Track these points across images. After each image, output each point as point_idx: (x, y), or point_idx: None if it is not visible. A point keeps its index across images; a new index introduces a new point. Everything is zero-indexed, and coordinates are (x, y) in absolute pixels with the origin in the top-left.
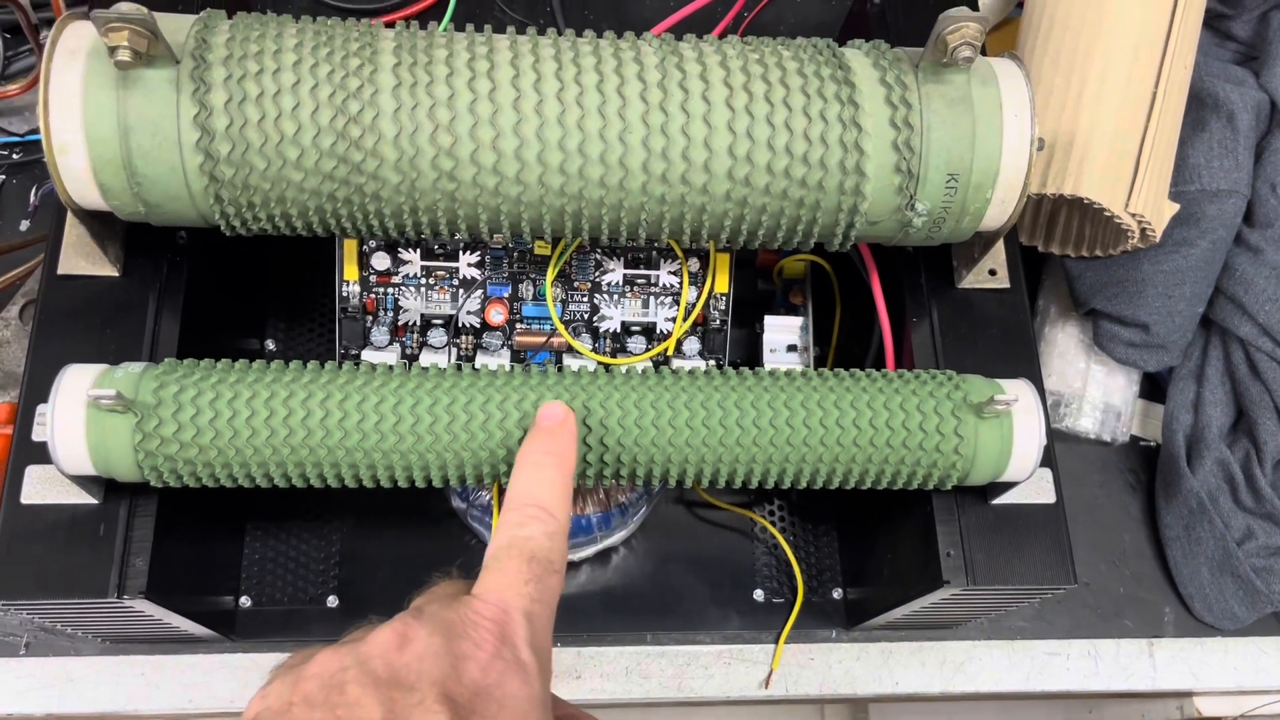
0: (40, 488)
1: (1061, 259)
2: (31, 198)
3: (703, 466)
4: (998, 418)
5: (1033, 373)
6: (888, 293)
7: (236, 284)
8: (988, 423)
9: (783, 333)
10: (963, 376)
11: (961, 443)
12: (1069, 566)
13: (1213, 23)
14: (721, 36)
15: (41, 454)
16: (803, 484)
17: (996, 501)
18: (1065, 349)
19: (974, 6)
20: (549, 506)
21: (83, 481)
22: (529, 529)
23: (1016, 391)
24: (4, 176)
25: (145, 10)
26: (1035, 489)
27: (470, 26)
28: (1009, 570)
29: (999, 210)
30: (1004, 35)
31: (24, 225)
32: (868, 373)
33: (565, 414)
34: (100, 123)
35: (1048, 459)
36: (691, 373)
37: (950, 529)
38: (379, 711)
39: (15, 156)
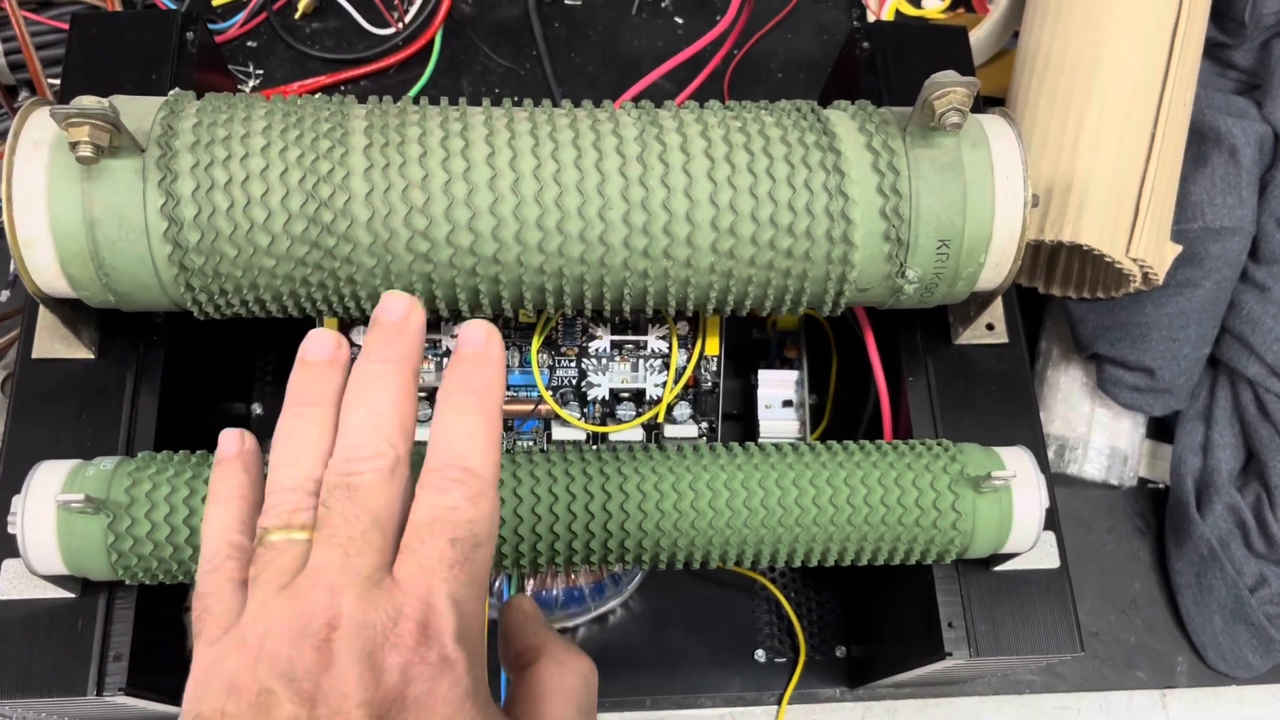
0: (16, 582)
1: (1063, 301)
2: (11, 268)
3: (693, 550)
4: (996, 492)
5: (1033, 431)
6: (883, 349)
7: (218, 355)
8: (986, 497)
9: (778, 388)
10: (959, 447)
11: (960, 519)
12: (1075, 634)
13: (1213, 52)
14: (707, 95)
15: (16, 547)
16: (797, 562)
17: (999, 569)
18: (1069, 393)
19: (967, 41)
20: (471, 464)
21: (58, 579)
22: (450, 495)
23: (1014, 464)
24: None
25: (106, 103)
26: (1039, 555)
27: (445, 100)
28: (1013, 640)
29: (994, 273)
30: (997, 69)
31: (3, 295)
32: (862, 445)
33: (489, 336)
34: (65, 216)
35: (1051, 522)
36: (681, 450)
37: (951, 599)
38: None
39: None
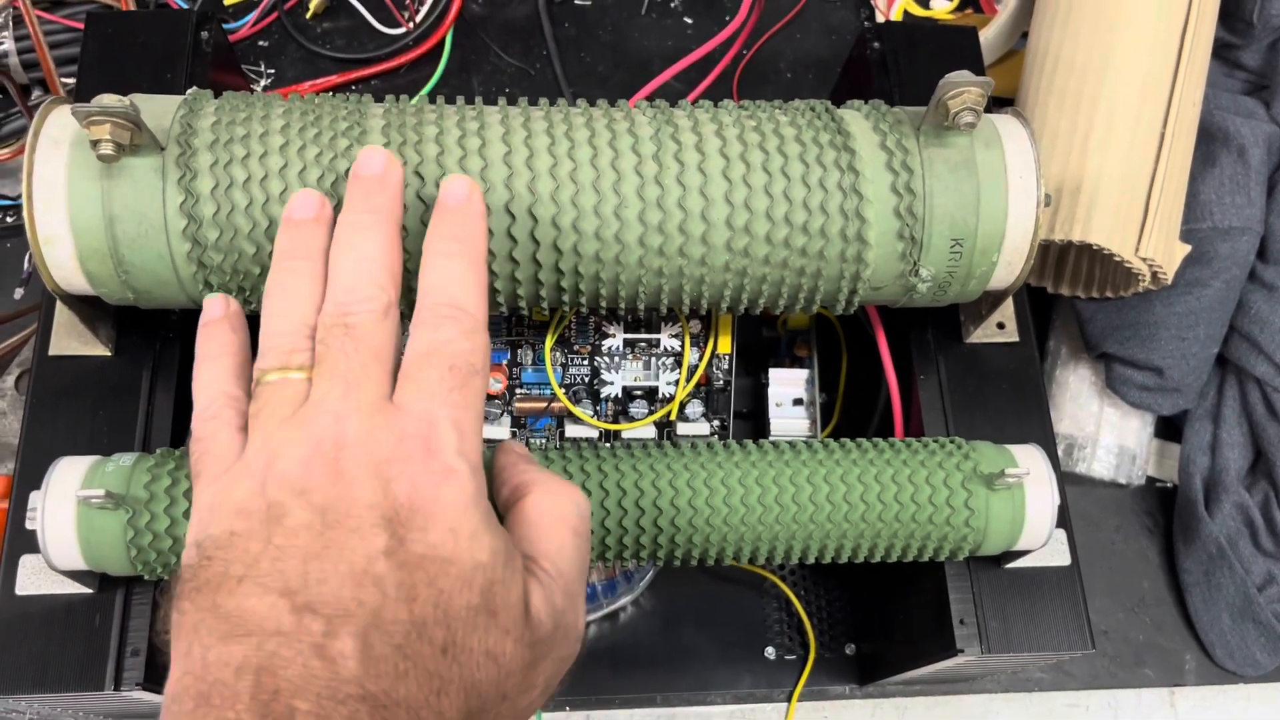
0: (35, 578)
1: (1072, 300)
2: (25, 264)
3: (707, 547)
4: (1009, 490)
5: (1044, 429)
6: (894, 348)
7: None
8: (999, 495)
9: (788, 386)
10: (972, 445)
11: (973, 516)
12: (1086, 631)
13: (1221, 52)
14: (716, 94)
15: (36, 543)
16: (810, 559)
17: (1010, 565)
18: (1077, 391)
19: (977, 41)
20: (462, 303)
21: (76, 575)
22: (445, 330)
23: (1028, 461)
24: None
25: (127, 101)
26: (1050, 552)
27: (461, 100)
28: (1024, 637)
29: (1006, 271)
30: (1006, 69)
31: (19, 293)
32: (874, 443)
33: (470, 189)
34: (85, 213)
35: (1062, 520)
36: (695, 447)
37: (963, 596)
38: (318, 544)
39: (9, 220)
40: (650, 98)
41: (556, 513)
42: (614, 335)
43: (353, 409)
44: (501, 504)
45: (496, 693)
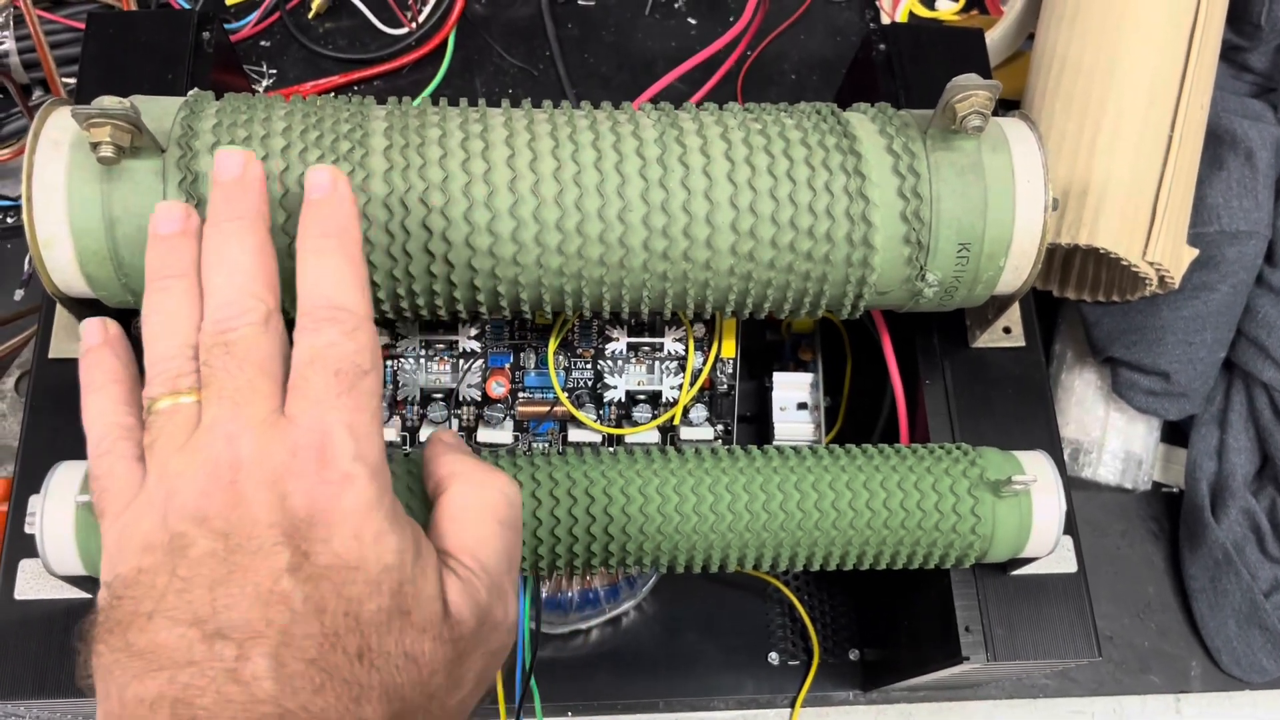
0: (34, 583)
1: (1078, 304)
2: (26, 265)
3: (710, 554)
4: (1016, 497)
5: (1050, 435)
6: (900, 352)
7: None
8: (1006, 502)
9: (792, 390)
10: (979, 451)
11: (979, 523)
12: (1093, 639)
13: (1229, 54)
14: (721, 96)
15: (34, 547)
16: (815, 566)
17: (1016, 573)
18: (1083, 396)
19: (984, 44)
20: (341, 302)
21: (75, 580)
22: (326, 334)
23: (1034, 468)
24: None
25: (128, 103)
26: (1056, 559)
27: (464, 101)
28: (1030, 644)
29: (1013, 276)
30: (1012, 71)
31: (19, 294)
32: (880, 449)
33: (334, 177)
34: (85, 216)
35: (1069, 526)
36: (699, 453)
37: (969, 603)
38: (223, 570)
39: (10, 221)
40: (654, 99)
41: (480, 503)
42: (617, 339)
43: (244, 428)
44: (430, 496)
45: (421, 694)
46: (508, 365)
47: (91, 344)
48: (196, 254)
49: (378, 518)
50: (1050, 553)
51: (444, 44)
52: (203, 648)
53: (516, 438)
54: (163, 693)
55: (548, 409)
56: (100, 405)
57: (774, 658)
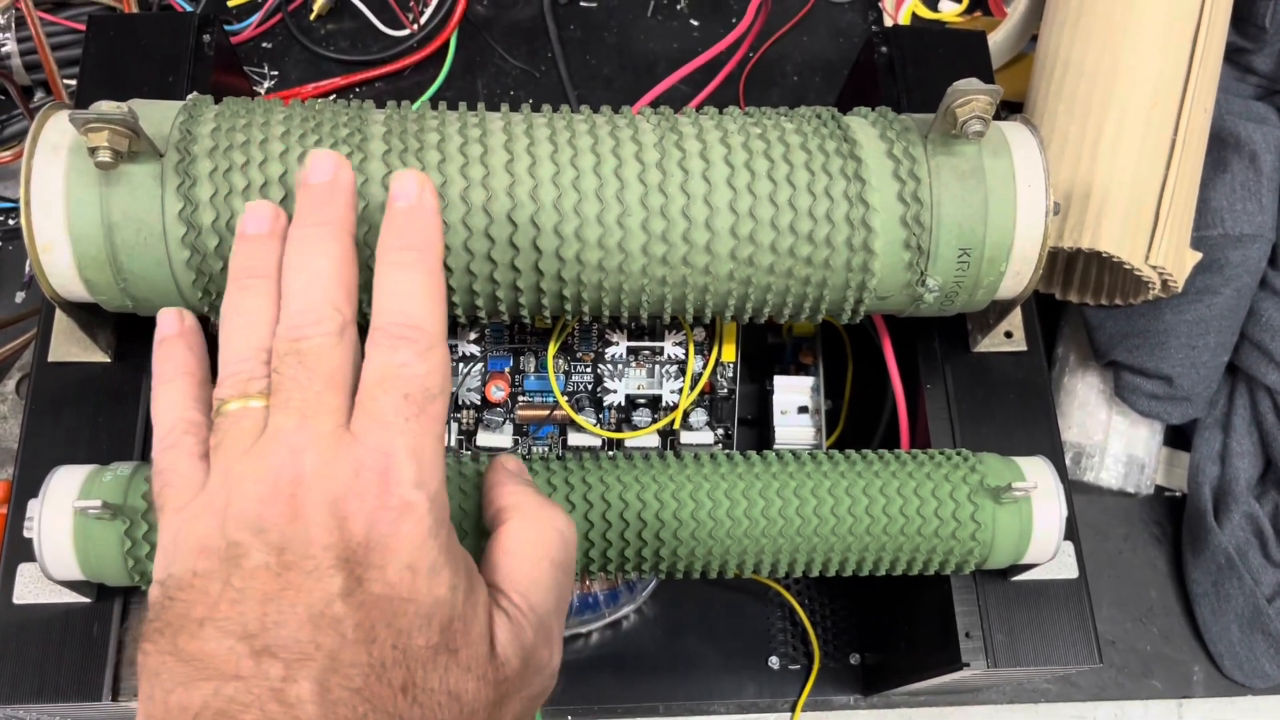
0: (32, 587)
1: (1080, 308)
2: (26, 268)
3: (710, 560)
4: (1016, 503)
5: (1052, 440)
6: (901, 356)
7: None
8: (1006, 508)
9: (793, 393)
10: (979, 457)
11: (979, 529)
12: (1093, 645)
13: (1233, 57)
14: (723, 97)
15: (32, 552)
16: (815, 572)
17: (1017, 579)
18: (1086, 399)
19: (986, 47)
20: (417, 321)
21: (73, 584)
22: (400, 354)
23: (1035, 475)
24: (1, 243)
25: (125, 108)
26: (1057, 565)
27: (463, 105)
28: (1031, 650)
29: (1015, 281)
30: (1015, 72)
31: (20, 297)
32: (880, 455)
33: (420, 186)
34: (84, 220)
35: (1070, 532)
36: (698, 458)
37: (969, 609)
38: (276, 585)
39: (11, 223)
40: (656, 101)
41: (536, 541)
42: (617, 343)
43: (309, 441)
44: (487, 523)
45: None
46: (507, 369)
47: (167, 334)
48: (280, 255)
49: (433, 549)
50: (1051, 559)
51: (446, 46)
52: (250, 664)
53: (516, 442)
54: (207, 704)
55: (547, 413)
56: (170, 398)
57: (774, 662)
